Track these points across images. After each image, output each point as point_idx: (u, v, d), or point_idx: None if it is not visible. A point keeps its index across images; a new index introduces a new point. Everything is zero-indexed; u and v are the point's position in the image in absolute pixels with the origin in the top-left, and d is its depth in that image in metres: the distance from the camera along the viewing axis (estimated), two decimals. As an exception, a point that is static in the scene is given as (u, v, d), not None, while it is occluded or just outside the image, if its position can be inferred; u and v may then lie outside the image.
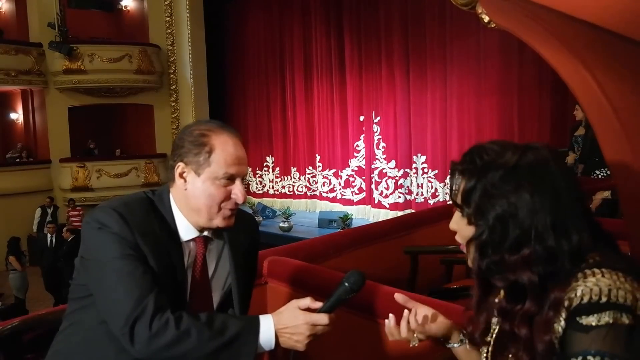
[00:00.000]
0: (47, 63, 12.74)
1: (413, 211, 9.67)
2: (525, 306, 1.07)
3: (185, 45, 13.74)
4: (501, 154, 1.11)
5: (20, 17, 13.35)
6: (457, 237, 1.20)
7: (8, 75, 12.22)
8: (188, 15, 13.61)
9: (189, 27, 13.63)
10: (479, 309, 1.19)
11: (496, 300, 1.21)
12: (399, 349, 2.16)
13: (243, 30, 14.08)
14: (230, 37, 14.57)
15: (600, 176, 5.52)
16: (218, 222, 1.55)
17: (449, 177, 1.17)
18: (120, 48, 13.16)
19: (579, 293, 1.00)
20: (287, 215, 11.03)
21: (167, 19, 13.72)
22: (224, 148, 1.53)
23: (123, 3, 15.08)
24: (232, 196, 1.55)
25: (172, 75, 13.95)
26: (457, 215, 1.18)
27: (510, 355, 1.12)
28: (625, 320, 0.97)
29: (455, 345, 1.37)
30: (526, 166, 1.08)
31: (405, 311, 1.38)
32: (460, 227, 1.17)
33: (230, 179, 1.53)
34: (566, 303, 1.01)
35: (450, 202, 1.19)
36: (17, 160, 13.38)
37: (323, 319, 1.43)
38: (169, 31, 13.75)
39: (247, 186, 14.61)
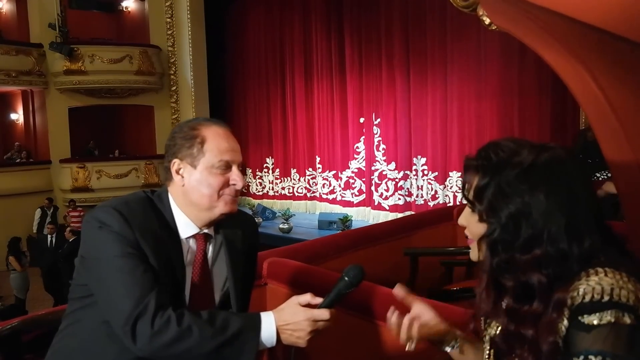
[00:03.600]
0: (47, 64, 12.75)
1: (413, 213, 9.66)
2: (533, 307, 1.05)
3: (185, 46, 13.75)
4: (517, 152, 1.09)
5: (21, 17, 13.37)
6: (467, 232, 1.19)
7: (8, 76, 12.22)
8: (189, 16, 13.60)
9: (189, 29, 13.63)
10: (495, 309, 1.17)
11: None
12: (397, 349, 2.15)
13: (243, 31, 14.08)
14: (230, 39, 14.57)
15: (600, 178, 5.53)
16: (220, 208, 1.56)
17: (458, 173, 1.16)
18: (120, 49, 13.18)
19: (581, 292, 0.99)
20: (286, 216, 11.01)
21: (168, 20, 13.72)
22: (215, 137, 1.55)
23: (124, 4, 15.12)
24: (231, 182, 1.56)
25: (172, 77, 13.96)
26: (467, 211, 1.17)
27: (514, 356, 1.11)
28: (627, 320, 0.96)
29: (448, 349, 1.36)
30: (542, 166, 1.07)
31: (405, 318, 1.32)
32: (470, 223, 1.16)
33: (227, 166, 1.55)
34: (569, 302, 1.00)
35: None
36: (18, 160, 13.38)
37: (324, 314, 1.43)
38: (169, 32, 13.76)
39: (247, 187, 14.46)
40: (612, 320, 0.96)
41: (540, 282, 1.04)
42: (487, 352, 1.24)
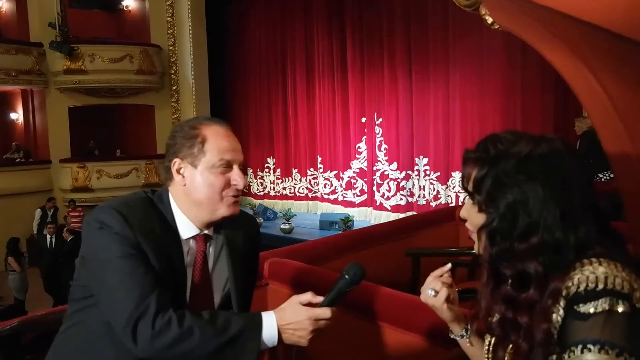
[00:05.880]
0: (47, 63, 12.72)
1: (415, 213, 9.65)
2: (529, 294, 1.07)
3: (186, 45, 13.74)
4: (515, 144, 1.12)
5: (21, 16, 13.33)
6: (468, 225, 1.21)
7: (8, 75, 12.19)
8: (189, 15, 13.60)
9: (190, 28, 13.63)
10: (492, 297, 1.19)
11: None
12: (399, 350, 2.14)
13: (245, 30, 14.08)
14: (231, 38, 14.56)
15: (603, 179, 5.51)
16: (222, 211, 1.56)
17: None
18: (121, 48, 13.14)
19: (575, 281, 1.01)
20: (288, 216, 11.01)
21: (169, 19, 13.71)
22: (215, 136, 1.54)
23: (124, 3, 15.08)
24: (232, 182, 1.55)
25: (173, 76, 13.95)
26: (468, 203, 1.19)
27: (510, 345, 1.13)
28: (621, 307, 0.97)
29: (458, 337, 1.37)
30: (539, 157, 1.09)
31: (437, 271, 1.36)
32: (471, 214, 1.18)
33: (228, 166, 1.54)
34: (564, 292, 1.02)
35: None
36: (17, 160, 13.35)
37: (325, 312, 1.43)
38: (170, 31, 13.75)
39: (248, 187, 14.38)
40: (607, 307, 0.97)
41: (536, 270, 1.06)
42: (488, 341, 1.26)
